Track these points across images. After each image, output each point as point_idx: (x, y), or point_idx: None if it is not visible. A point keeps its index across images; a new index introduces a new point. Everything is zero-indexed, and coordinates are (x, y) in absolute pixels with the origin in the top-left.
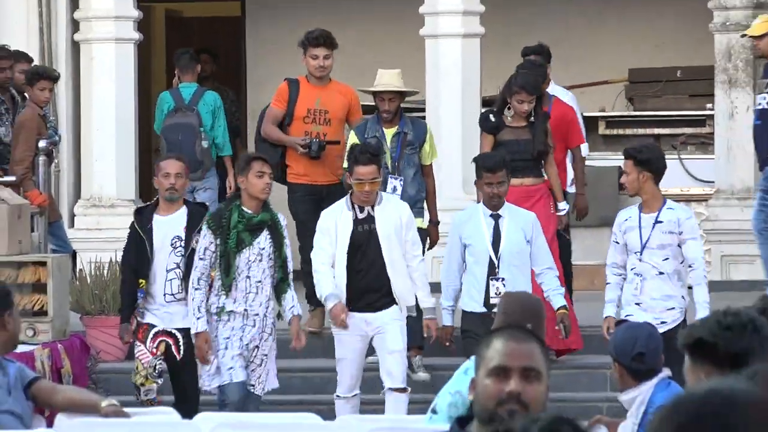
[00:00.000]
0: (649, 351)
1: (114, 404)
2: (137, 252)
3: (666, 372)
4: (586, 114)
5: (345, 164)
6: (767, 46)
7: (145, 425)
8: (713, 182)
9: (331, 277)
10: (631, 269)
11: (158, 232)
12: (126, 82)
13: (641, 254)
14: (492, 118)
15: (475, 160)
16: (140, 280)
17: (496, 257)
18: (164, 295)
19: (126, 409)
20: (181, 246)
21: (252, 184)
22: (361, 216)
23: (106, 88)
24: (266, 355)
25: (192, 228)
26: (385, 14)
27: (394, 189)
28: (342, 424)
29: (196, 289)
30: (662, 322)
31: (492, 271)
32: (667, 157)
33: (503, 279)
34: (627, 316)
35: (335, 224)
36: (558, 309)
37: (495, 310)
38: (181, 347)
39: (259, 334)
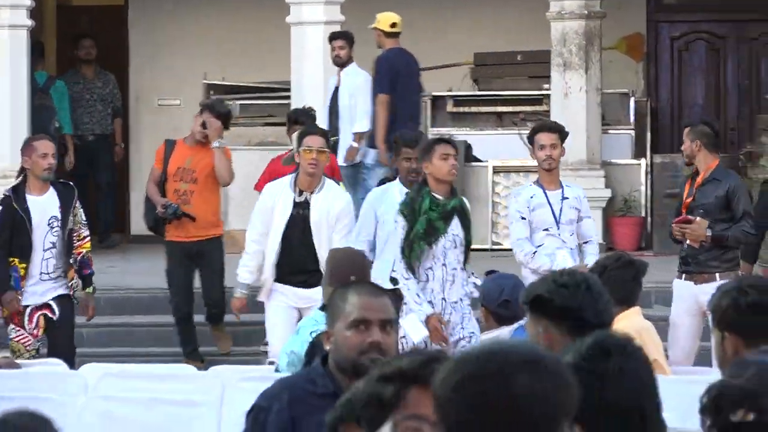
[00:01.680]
0: (513, 299)
1: (7, 357)
2: (13, 230)
3: (525, 320)
4: (435, 93)
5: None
6: (377, 38)
7: (36, 375)
8: None
9: (254, 262)
10: (539, 246)
11: (35, 211)
12: (20, 65)
13: (558, 229)
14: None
15: (395, 138)
16: (11, 259)
17: None
18: (40, 273)
19: (17, 361)
20: (57, 225)
21: (437, 168)
22: (299, 199)
23: (2, 70)
24: (473, 332)
25: (66, 207)
26: (253, 3)
27: None
28: (214, 374)
29: (407, 279)
30: None
31: None
32: (508, 132)
33: None
34: None
35: (274, 202)
36: None
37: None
38: (56, 311)
39: (460, 320)
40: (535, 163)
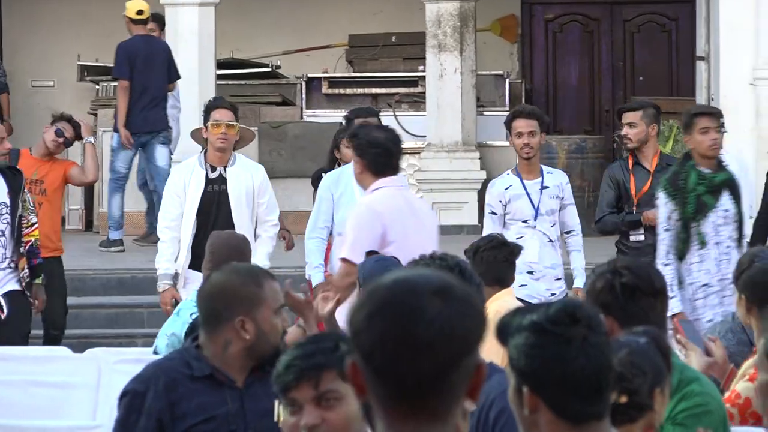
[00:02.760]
0: None
1: None
2: None
3: None
4: (310, 75)
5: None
6: (126, 25)
7: None
8: (425, 137)
9: (171, 249)
10: (519, 237)
11: None
12: None
13: (536, 221)
14: (323, 175)
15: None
16: None
17: None
18: None
19: None
20: (7, 212)
21: (698, 142)
22: (212, 175)
23: None
24: None
25: (16, 193)
26: None
27: None
28: (90, 356)
29: (665, 264)
30: (552, 294)
31: None
32: (382, 114)
33: None
34: (520, 286)
35: (184, 183)
36: None
37: None
38: (5, 310)
39: None
40: (409, 145)
